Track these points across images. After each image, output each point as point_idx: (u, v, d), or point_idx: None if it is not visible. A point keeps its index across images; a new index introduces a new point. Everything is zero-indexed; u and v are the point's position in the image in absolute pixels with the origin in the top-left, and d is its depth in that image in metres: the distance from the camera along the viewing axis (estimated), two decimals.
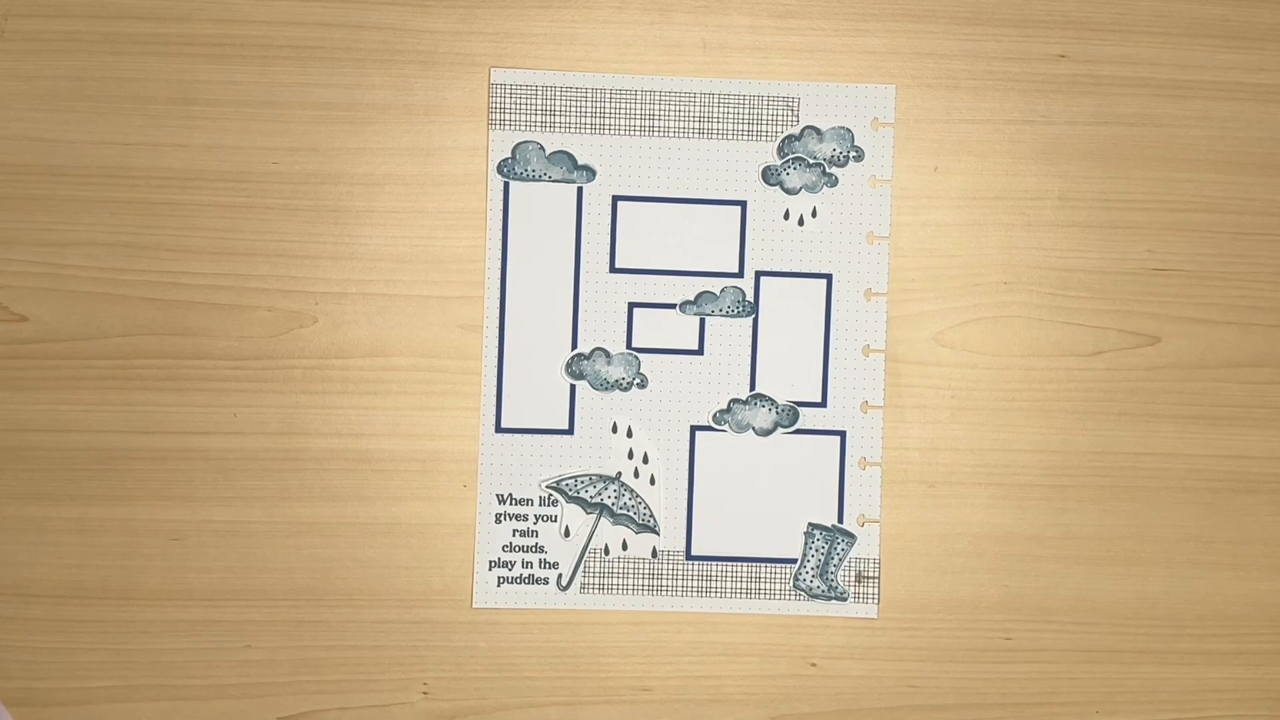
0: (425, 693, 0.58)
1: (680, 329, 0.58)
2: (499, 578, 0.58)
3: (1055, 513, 0.58)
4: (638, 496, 0.58)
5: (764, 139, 0.58)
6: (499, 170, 0.57)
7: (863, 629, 0.58)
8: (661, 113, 0.58)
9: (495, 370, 0.58)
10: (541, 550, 0.58)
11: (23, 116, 0.57)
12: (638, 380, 0.58)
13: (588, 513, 0.58)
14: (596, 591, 0.58)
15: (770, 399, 0.58)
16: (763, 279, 0.58)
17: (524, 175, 0.58)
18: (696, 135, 0.58)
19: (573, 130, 0.57)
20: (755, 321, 0.58)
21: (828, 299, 0.58)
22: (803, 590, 0.58)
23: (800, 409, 0.58)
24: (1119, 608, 0.59)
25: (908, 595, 0.58)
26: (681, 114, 0.58)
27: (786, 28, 0.58)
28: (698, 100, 0.58)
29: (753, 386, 0.58)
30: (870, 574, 0.58)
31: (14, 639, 0.57)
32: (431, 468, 0.57)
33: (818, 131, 0.58)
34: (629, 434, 0.58)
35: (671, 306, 0.58)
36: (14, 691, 0.57)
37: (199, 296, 0.57)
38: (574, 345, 0.58)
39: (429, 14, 0.57)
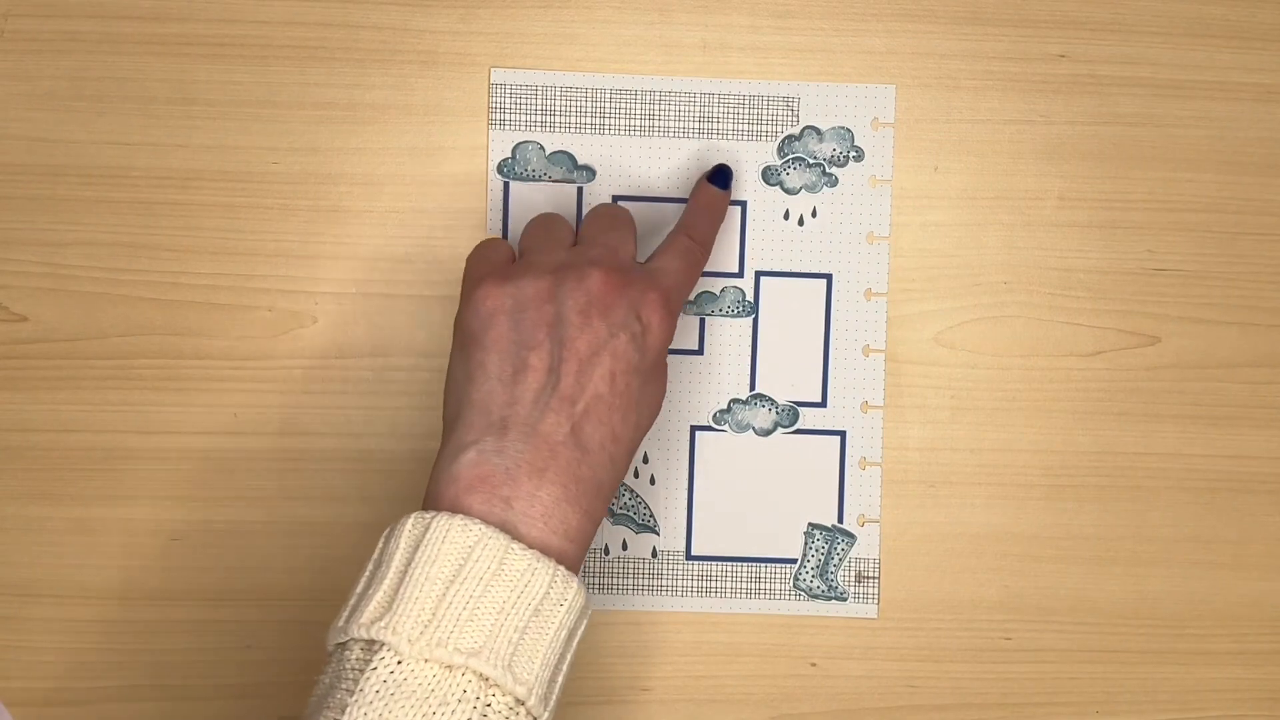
0: None
1: (680, 329, 0.58)
2: None
3: (1055, 513, 0.58)
4: (637, 496, 0.58)
5: (764, 139, 0.58)
6: (499, 170, 0.57)
7: (863, 629, 0.58)
8: (661, 113, 0.58)
9: None
10: None
11: (23, 116, 0.57)
12: None
13: None
14: (596, 591, 0.58)
15: (770, 399, 0.58)
16: (763, 279, 0.58)
17: (524, 175, 0.58)
18: (696, 135, 0.58)
19: (573, 130, 0.57)
20: (755, 321, 0.58)
21: (828, 299, 0.58)
22: (803, 590, 0.58)
23: (800, 409, 0.58)
24: (1119, 608, 0.59)
25: (908, 595, 0.58)
26: (681, 114, 0.58)
27: (786, 28, 0.58)
28: (698, 100, 0.58)
29: (753, 386, 0.58)
30: (870, 574, 0.58)
31: (14, 639, 0.57)
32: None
33: (818, 131, 0.58)
34: None
35: None
36: (14, 691, 0.57)
37: (199, 296, 0.57)
38: None
39: (429, 14, 0.57)
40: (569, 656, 0.45)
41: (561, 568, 0.44)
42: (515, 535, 0.44)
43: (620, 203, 0.58)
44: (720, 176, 0.55)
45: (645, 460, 0.58)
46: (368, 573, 0.45)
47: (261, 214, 0.57)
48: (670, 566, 0.58)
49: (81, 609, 0.57)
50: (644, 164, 0.58)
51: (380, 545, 0.45)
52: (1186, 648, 0.59)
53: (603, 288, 0.48)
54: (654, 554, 0.58)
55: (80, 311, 0.57)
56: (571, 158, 0.57)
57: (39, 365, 0.57)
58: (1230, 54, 0.58)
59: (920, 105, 0.58)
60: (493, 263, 0.50)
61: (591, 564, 0.58)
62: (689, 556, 0.58)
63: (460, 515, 0.43)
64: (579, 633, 0.45)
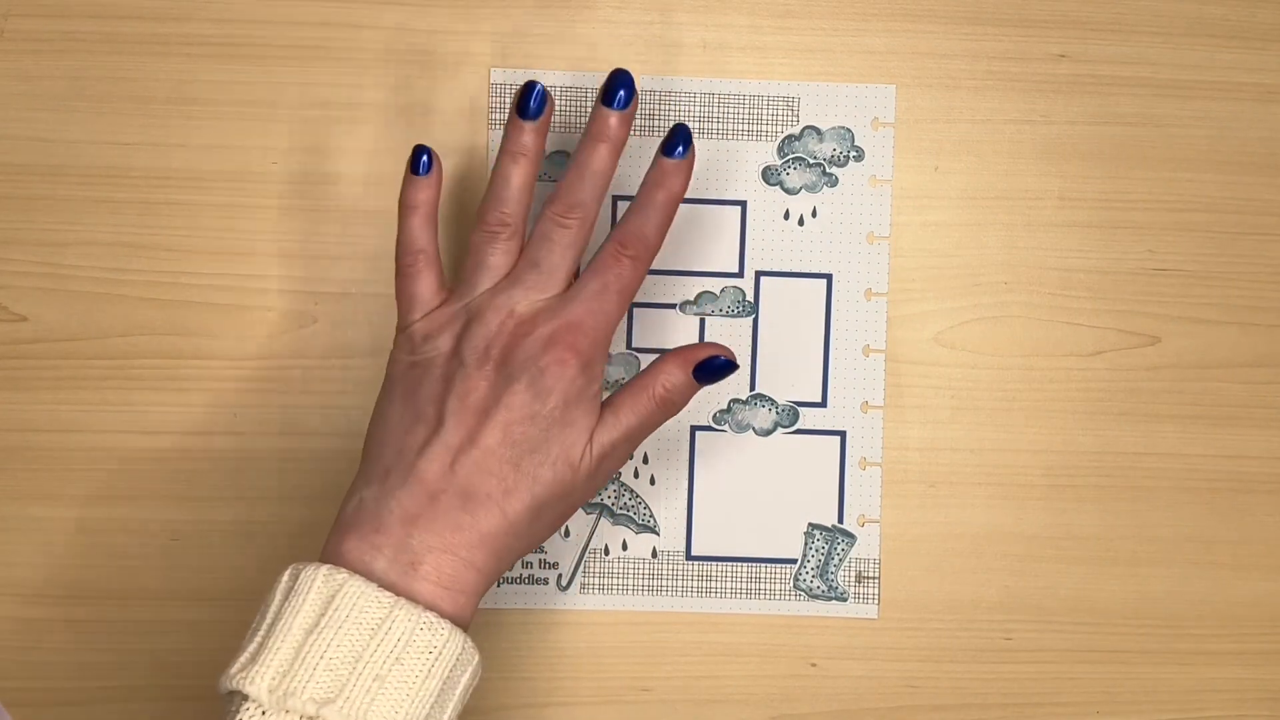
0: None
1: (680, 329, 0.58)
2: (499, 578, 0.58)
3: (1055, 513, 0.58)
4: (637, 496, 0.58)
5: (764, 139, 0.58)
6: None
7: (863, 629, 0.58)
8: (661, 113, 0.58)
9: None
10: (541, 550, 0.58)
11: (23, 116, 0.57)
12: None
13: (587, 513, 0.58)
14: (596, 591, 0.58)
15: (770, 399, 0.58)
16: (763, 279, 0.58)
17: None
18: (696, 135, 0.58)
19: (573, 130, 0.57)
20: (755, 321, 0.58)
21: (828, 299, 0.58)
22: (803, 590, 0.58)
23: (800, 409, 0.58)
24: (1119, 608, 0.59)
25: (908, 595, 0.58)
26: (681, 114, 0.58)
27: (786, 28, 0.58)
28: (698, 100, 0.58)
29: (753, 386, 0.58)
30: (870, 574, 0.58)
31: (14, 639, 0.57)
32: None
33: (818, 131, 0.58)
34: None
35: (671, 306, 0.58)
36: (14, 691, 0.57)
37: (199, 296, 0.57)
38: None
39: (429, 14, 0.57)
40: (451, 706, 0.44)
41: (430, 614, 0.43)
42: (382, 583, 0.43)
43: (620, 202, 0.58)
44: (676, 140, 0.49)
45: (645, 460, 0.58)
46: (253, 624, 0.45)
47: (261, 214, 0.57)
48: (670, 566, 0.58)
49: (81, 609, 0.57)
50: (644, 164, 0.57)
51: (267, 596, 0.45)
52: (1186, 648, 0.59)
53: (503, 335, 0.47)
54: (654, 554, 0.58)
55: (80, 311, 0.57)
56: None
57: (39, 365, 0.57)
58: (1230, 54, 0.58)
59: (920, 105, 0.58)
60: (419, 303, 0.49)
61: (591, 564, 0.58)
62: (689, 556, 0.58)
63: (327, 565, 0.43)
64: (462, 681, 0.44)
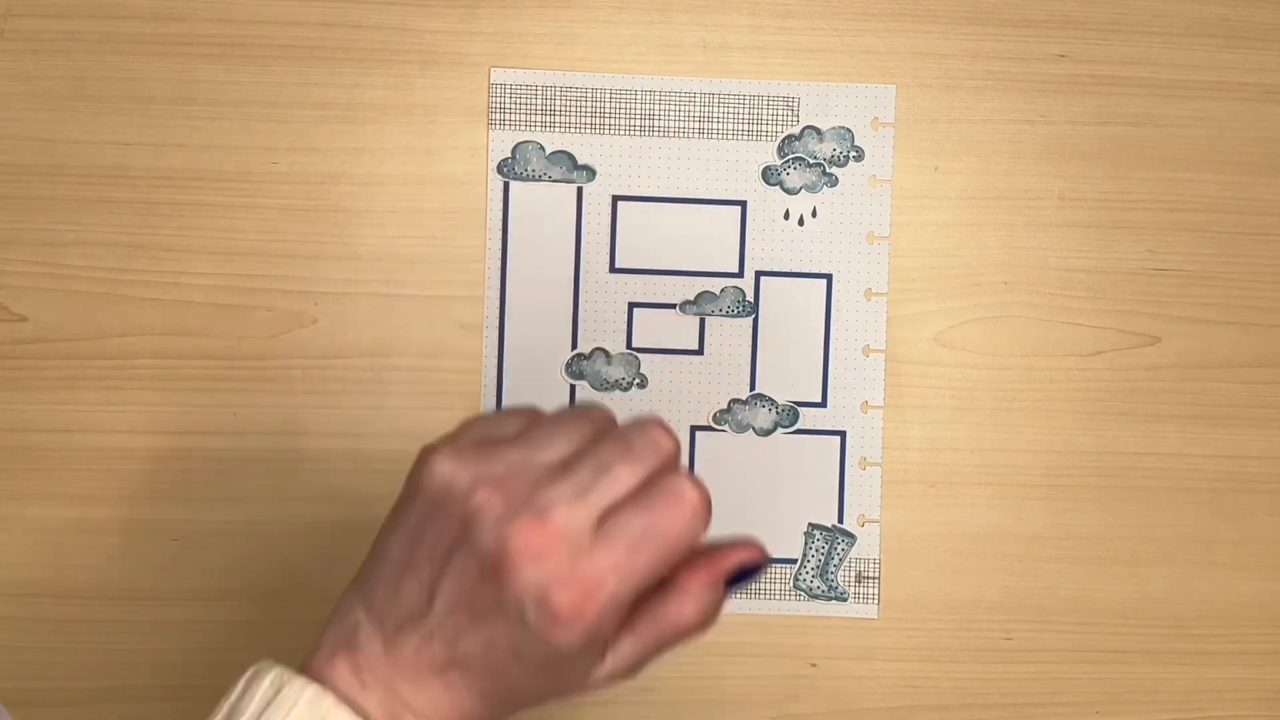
0: None
1: (680, 329, 0.58)
2: None
3: (1055, 513, 0.58)
4: None
5: (764, 139, 0.58)
6: (499, 170, 0.57)
7: (863, 629, 0.58)
8: (661, 113, 0.58)
9: (495, 370, 0.58)
10: None
11: (23, 116, 0.57)
12: (637, 380, 0.58)
13: None
14: None
15: (770, 399, 0.58)
16: (763, 279, 0.58)
17: (524, 175, 0.58)
18: (696, 135, 0.58)
19: (573, 130, 0.57)
20: (755, 321, 0.58)
21: (828, 299, 0.58)
22: (803, 590, 0.58)
23: (800, 409, 0.58)
24: (1119, 608, 0.59)
25: (908, 595, 0.58)
26: (681, 114, 0.58)
27: (786, 28, 0.58)
28: (698, 100, 0.58)
29: (753, 386, 0.58)
30: (870, 574, 0.58)
31: (14, 639, 0.57)
32: None
33: (818, 131, 0.58)
34: None
35: (671, 306, 0.58)
36: (14, 691, 0.57)
37: (199, 296, 0.57)
38: (574, 345, 0.58)
39: (429, 14, 0.57)
40: None
41: None
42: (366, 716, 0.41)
43: (620, 202, 0.58)
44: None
45: None
46: (221, 714, 0.43)
47: (261, 214, 0.57)
48: None
49: (81, 609, 0.57)
50: (644, 164, 0.58)
51: (240, 688, 0.43)
52: (1187, 648, 0.59)
53: (521, 543, 0.40)
54: None
55: (80, 311, 0.57)
56: (571, 158, 0.57)
57: (39, 365, 0.57)
58: (1230, 54, 0.58)
59: (920, 105, 0.58)
60: (479, 431, 0.42)
61: None
62: None
63: (315, 685, 0.41)
64: None
